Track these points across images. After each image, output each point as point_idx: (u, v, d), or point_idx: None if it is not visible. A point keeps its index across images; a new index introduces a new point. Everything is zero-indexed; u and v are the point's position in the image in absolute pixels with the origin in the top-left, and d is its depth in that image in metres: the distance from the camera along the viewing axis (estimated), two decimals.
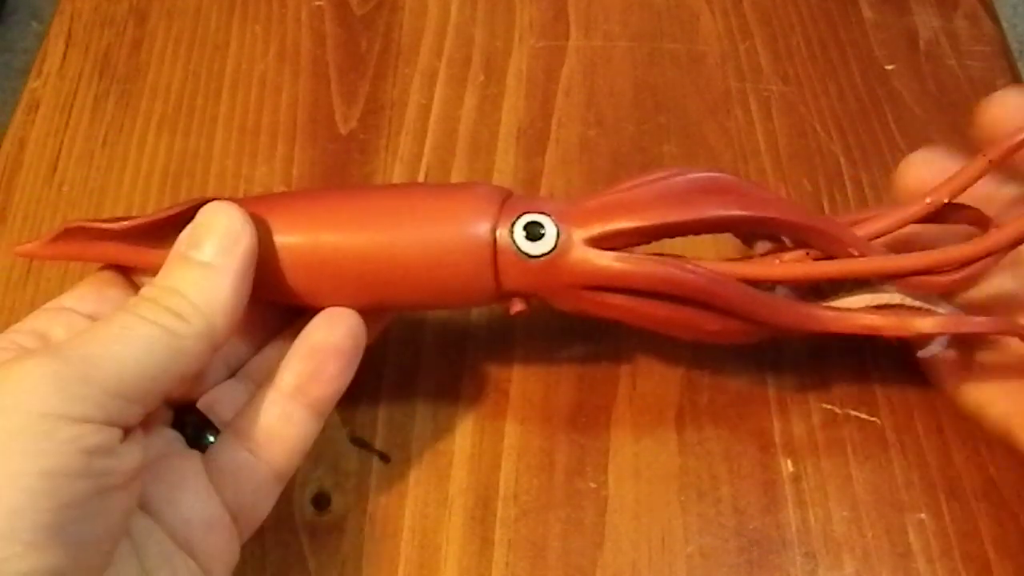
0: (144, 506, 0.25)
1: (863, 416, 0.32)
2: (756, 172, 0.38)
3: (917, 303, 0.29)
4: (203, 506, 0.25)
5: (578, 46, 0.42)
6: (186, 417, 0.28)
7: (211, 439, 0.27)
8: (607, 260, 0.27)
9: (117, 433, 0.22)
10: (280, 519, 0.30)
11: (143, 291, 0.25)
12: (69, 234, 0.28)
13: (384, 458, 0.32)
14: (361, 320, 0.28)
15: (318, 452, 0.31)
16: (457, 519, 0.30)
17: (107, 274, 0.28)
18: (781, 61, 0.41)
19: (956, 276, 0.28)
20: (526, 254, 0.27)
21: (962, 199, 0.28)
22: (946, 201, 0.28)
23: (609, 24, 0.42)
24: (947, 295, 0.29)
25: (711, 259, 0.28)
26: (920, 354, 0.31)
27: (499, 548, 0.30)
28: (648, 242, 0.28)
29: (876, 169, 0.37)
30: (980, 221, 0.28)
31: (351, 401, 0.32)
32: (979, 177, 0.27)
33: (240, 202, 0.27)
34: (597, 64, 0.41)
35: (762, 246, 0.30)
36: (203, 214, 0.26)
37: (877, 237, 0.28)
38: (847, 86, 0.40)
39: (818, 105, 0.39)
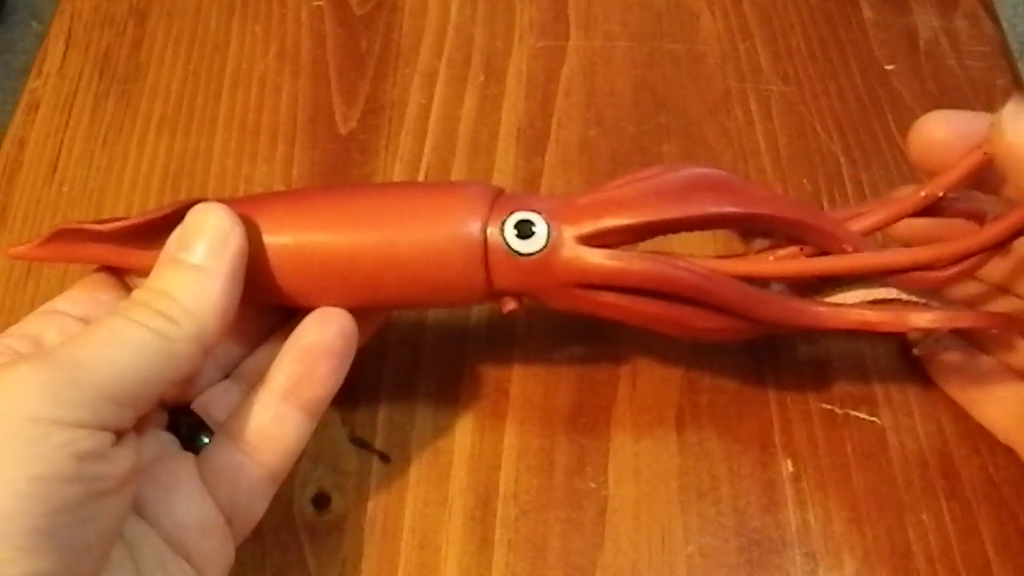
0: (138, 509, 0.25)
1: (863, 416, 0.32)
2: (756, 172, 0.38)
3: (914, 297, 0.28)
4: (197, 509, 0.25)
5: (578, 46, 0.42)
6: (180, 419, 0.28)
7: (206, 440, 0.27)
8: (599, 258, 0.27)
9: (109, 437, 0.22)
10: (280, 519, 0.30)
11: (134, 294, 0.25)
12: (61, 236, 0.27)
13: (384, 458, 0.32)
14: (352, 320, 0.27)
15: (318, 452, 0.31)
16: (457, 519, 0.30)
17: (99, 276, 0.28)
18: (781, 61, 0.41)
19: (951, 272, 0.28)
20: (517, 252, 0.27)
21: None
22: (940, 195, 0.27)
23: (609, 24, 0.42)
24: (942, 290, 0.29)
25: (704, 256, 0.28)
26: (916, 351, 0.31)
27: (499, 548, 0.30)
28: (641, 240, 0.28)
29: (876, 169, 0.37)
30: (975, 214, 0.28)
31: (351, 401, 0.32)
32: (976, 171, 0.27)
33: (230, 203, 0.27)
34: (597, 64, 0.41)
35: (760, 243, 0.30)
36: (192, 215, 0.26)
37: (872, 231, 0.28)
38: (847, 86, 0.40)
39: (818, 105, 0.39)
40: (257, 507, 0.27)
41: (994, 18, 0.42)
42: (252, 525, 0.27)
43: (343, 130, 0.39)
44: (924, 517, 0.30)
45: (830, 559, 0.29)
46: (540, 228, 0.27)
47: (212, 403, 0.28)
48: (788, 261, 0.28)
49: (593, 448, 0.32)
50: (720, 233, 0.33)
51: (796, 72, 0.41)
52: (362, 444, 0.32)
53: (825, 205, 0.37)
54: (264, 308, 0.29)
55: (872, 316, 0.28)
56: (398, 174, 0.38)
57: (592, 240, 0.27)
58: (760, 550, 0.30)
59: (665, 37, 0.42)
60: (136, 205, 0.37)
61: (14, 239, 0.36)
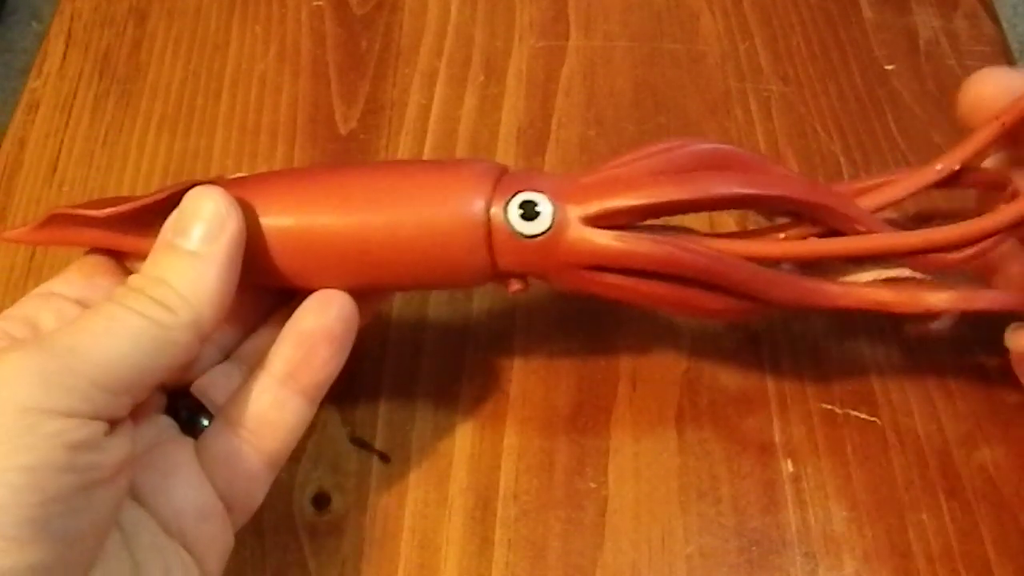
0: (135, 496, 0.24)
1: (863, 416, 0.32)
2: None
3: (929, 276, 0.28)
4: (196, 494, 0.25)
5: (578, 46, 0.42)
6: (179, 402, 0.27)
7: (205, 423, 0.27)
8: (605, 239, 0.26)
9: (103, 426, 0.22)
10: (280, 519, 0.30)
11: (130, 280, 0.25)
12: (56, 220, 0.27)
13: (384, 458, 0.32)
14: (352, 303, 0.27)
15: (318, 452, 0.31)
16: (457, 519, 0.30)
17: (95, 258, 0.28)
18: (781, 61, 0.41)
19: (967, 253, 0.27)
20: (521, 234, 0.26)
21: None
22: (957, 168, 0.27)
23: (609, 24, 0.42)
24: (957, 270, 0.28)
25: (712, 234, 0.28)
26: (933, 326, 0.29)
27: (499, 548, 0.30)
28: (648, 219, 0.27)
29: (876, 169, 0.37)
30: (997, 183, 0.27)
31: (351, 401, 0.32)
32: (992, 142, 0.26)
33: (228, 183, 0.26)
34: (597, 64, 0.41)
35: (780, 220, 0.29)
36: (188, 200, 0.25)
37: (886, 206, 0.27)
38: (847, 86, 0.40)
39: (818, 105, 0.39)
40: (256, 493, 0.27)
41: (994, 18, 0.42)
42: (251, 511, 0.27)
43: (343, 130, 0.39)
44: (924, 517, 0.30)
45: (830, 559, 0.29)
46: (545, 209, 0.26)
47: (211, 386, 0.28)
48: (798, 243, 0.28)
49: (593, 448, 0.32)
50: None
51: (796, 72, 0.41)
52: (362, 444, 0.32)
53: None
54: (263, 289, 0.28)
55: (886, 296, 0.27)
56: None
57: (598, 221, 0.26)
58: (760, 550, 0.30)
59: (665, 37, 0.42)
60: None
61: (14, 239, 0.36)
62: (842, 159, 0.38)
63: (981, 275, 0.29)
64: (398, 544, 0.30)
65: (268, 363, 0.27)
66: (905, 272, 0.28)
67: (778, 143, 0.38)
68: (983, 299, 0.27)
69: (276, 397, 0.26)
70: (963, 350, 0.33)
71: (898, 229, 0.27)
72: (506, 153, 0.38)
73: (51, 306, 0.26)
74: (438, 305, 0.34)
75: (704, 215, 0.34)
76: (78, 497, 0.21)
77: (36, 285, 0.35)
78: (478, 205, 0.26)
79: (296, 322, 0.27)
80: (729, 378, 0.33)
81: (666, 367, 0.33)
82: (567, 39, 0.42)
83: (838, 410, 0.32)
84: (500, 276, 0.28)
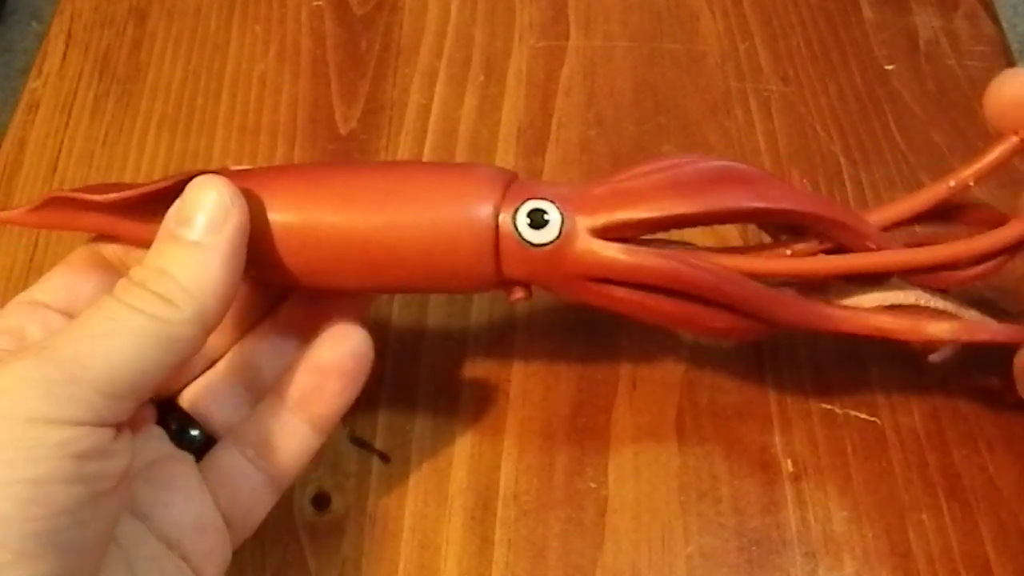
0: (134, 510, 0.24)
1: (863, 416, 0.32)
2: None
3: (933, 303, 0.28)
4: (195, 507, 0.25)
5: (578, 46, 0.42)
6: (168, 414, 0.27)
7: (195, 434, 0.27)
8: (612, 252, 0.26)
9: (108, 433, 0.21)
10: (280, 519, 0.30)
11: (132, 273, 0.24)
12: (54, 203, 0.26)
13: (384, 458, 0.32)
14: (368, 340, 0.27)
15: (318, 452, 0.31)
16: (457, 519, 0.30)
17: (79, 262, 0.27)
18: (781, 61, 0.41)
19: (975, 271, 0.27)
20: (529, 242, 0.26)
21: None
22: (971, 184, 0.26)
23: (609, 24, 0.42)
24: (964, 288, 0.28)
25: (720, 249, 0.28)
26: (931, 358, 0.30)
27: (499, 548, 0.30)
28: (656, 232, 0.27)
29: (876, 169, 0.37)
30: (997, 221, 0.27)
31: None
32: (1009, 158, 0.26)
33: (232, 176, 0.26)
34: (597, 64, 0.41)
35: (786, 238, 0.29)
36: (191, 189, 0.25)
37: (900, 222, 0.27)
38: (847, 86, 0.40)
39: (818, 105, 0.39)
40: (257, 513, 0.27)
41: (994, 18, 0.42)
42: (251, 531, 0.27)
43: (343, 130, 0.39)
44: (924, 517, 0.30)
45: (830, 559, 0.29)
46: (553, 218, 0.26)
47: (201, 399, 0.28)
48: (806, 260, 0.27)
49: (593, 448, 0.32)
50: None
51: (796, 72, 0.41)
52: (362, 444, 0.32)
53: None
54: (249, 294, 0.28)
55: (888, 323, 0.27)
56: None
57: (606, 232, 0.26)
58: (760, 550, 0.30)
59: (665, 37, 0.42)
60: None
61: (14, 239, 0.36)
62: (842, 159, 0.38)
63: None
64: (398, 544, 0.30)
65: (280, 388, 0.27)
66: (911, 297, 0.27)
67: (778, 143, 0.38)
68: (986, 331, 0.27)
69: (285, 422, 0.27)
70: (963, 350, 0.33)
71: (904, 247, 0.27)
72: (506, 153, 0.38)
73: (37, 317, 0.25)
74: (438, 306, 0.34)
75: (710, 230, 0.34)
76: (85, 508, 0.21)
77: None
78: (486, 211, 0.26)
79: (312, 353, 0.27)
80: (729, 378, 0.33)
81: (666, 367, 0.33)
82: (567, 39, 0.42)
83: (838, 410, 0.32)
84: (504, 284, 0.28)
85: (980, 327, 0.27)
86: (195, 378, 0.28)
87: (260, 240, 0.26)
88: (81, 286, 0.27)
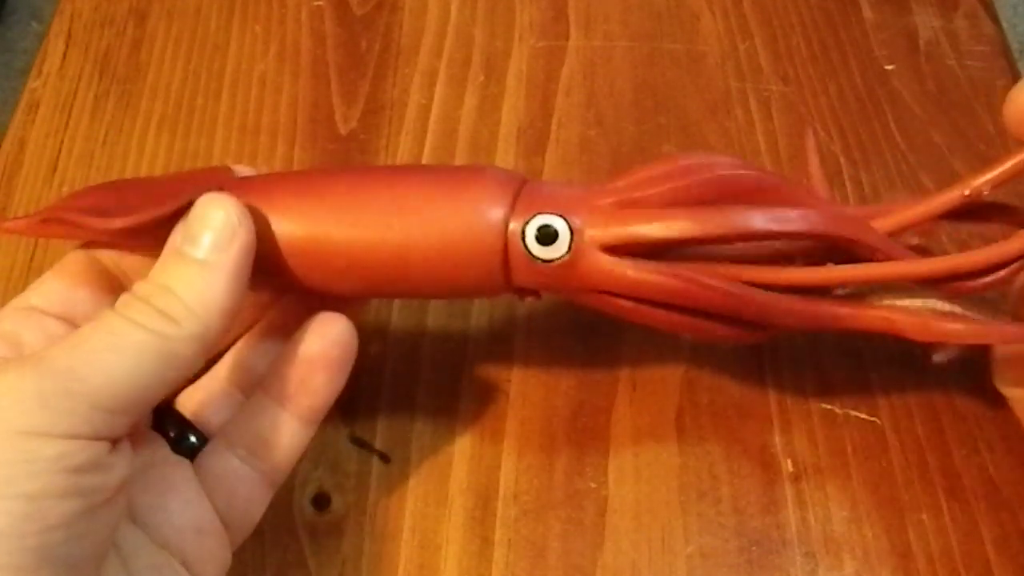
0: (132, 516, 0.24)
1: (863, 416, 0.32)
2: None
3: (940, 305, 0.27)
4: (193, 511, 0.25)
5: (578, 46, 0.42)
6: (166, 419, 0.27)
7: (193, 440, 0.27)
8: (621, 268, 0.26)
9: (104, 446, 0.21)
10: (280, 519, 0.30)
11: (135, 288, 0.24)
12: (55, 220, 0.26)
13: (384, 458, 0.32)
14: (352, 328, 0.27)
15: (318, 452, 0.31)
16: (457, 519, 0.30)
17: (73, 266, 0.27)
18: (781, 61, 0.41)
19: (989, 280, 0.26)
20: (538, 258, 0.26)
21: None
22: (985, 192, 0.26)
23: (609, 24, 0.42)
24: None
25: (730, 258, 0.27)
26: (935, 358, 0.30)
27: (499, 548, 0.30)
28: (666, 250, 0.27)
29: (876, 169, 0.37)
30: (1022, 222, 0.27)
31: (351, 401, 0.32)
32: None
33: (238, 183, 0.26)
34: (597, 64, 0.41)
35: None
36: (199, 207, 0.25)
37: (910, 227, 0.27)
38: (847, 86, 0.40)
39: (818, 105, 0.39)
40: (255, 511, 0.27)
41: (994, 18, 0.42)
42: (250, 530, 0.27)
43: (343, 130, 0.39)
44: (924, 517, 0.30)
45: (830, 559, 0.29)
46: (563, 234, 0.26)
47: (198, 403, 0.27)
48: (819, 270, 0.27)
49: (593, 448, 0.32)
50: None
51: (796, 72, 0.41)
52: (362, 444, 0.32)
53: None
54: (245, 300, 0.28)
55: (899, 318, 0.27)
56: None
57: (616, 249, 0.26)
58: (760, 550, 0.30)
59: (665, 37, 0.42)
60: None
61: (14, 239, 0.36)
62: (842, 159, 0.38)
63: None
64: (398, 544, 0.30)
65: (266, 384, 0.27)
66: (917, 303, 0.27)
67: (778, 143, 0.38)
68: (994, 334, 0.27)
69: (275, 418, 0.26)
70: (965, 351, 0.33)
71: (921, 257, 0.27)
72: (506, 153, 0.38)
73: (33, 323, 0.25)
74: (438, 306, 0.34)
75: None
76: (81, 522, 0.20)
77: None
78: (495, 226, 0.26)
79: (295, 345, 0.27)
80: (729, 378, 0.33)
81: (666, 367, 0.33)
82: (567, 39, 0.42)
83: (838, 410, 0.32)
84: (514, 290, 0.28)
85: (994, 329, 0.27)
86: (191, 382, 0.28)
87: (267, 250, 0.26)
88: (76, 291, 0.26)
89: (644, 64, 0.41)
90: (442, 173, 0.28)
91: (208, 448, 0.27)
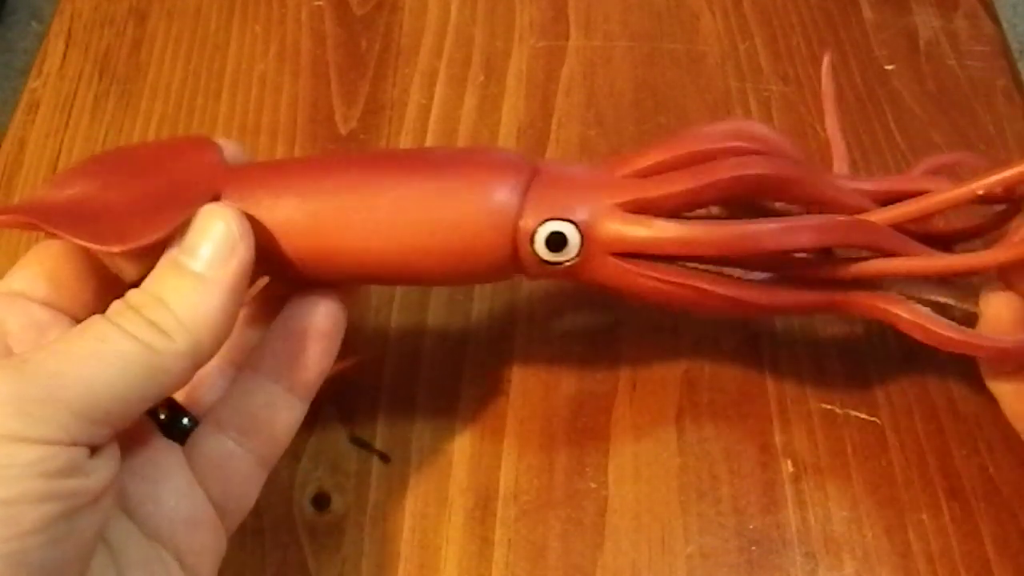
0: (123, 506, 0.23)
1: (863, 416, 0.32)
2: None
3: (959, 304, 0.28)
4: (186, 502, 0.24)
5: (578, 46, 0.42)
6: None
7: (186, 422, 0.26)
8: (632, 275, 0.27)
9: (83, 451, 0.20)
10: (280, 519, 0.30)
11: (128, 295, 0.23)
12: (53, 237, 0.25)
13: (384, 458, 0.32)
14: (339, 300, 0.27)
15: (318, 452, 0.31)
16: (457, 519, 0.30)
17: (56, 247, 0.25)
18: (781, 61, 0.41)
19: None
20: (547, 262, 0.27)
21: None
22: (999, 191, 0.26)
23: (609, 24, 0.42)
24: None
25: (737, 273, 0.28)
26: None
27: (499, 548, 0.30)
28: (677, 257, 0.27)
29: (876, 169, 0.37)
30: None
31: (351, 401, 0.32)
32: None
33: (244, 170, 0.25)
34: (597, 64, 0.41)
35: None
36: (201, 217, 0.24)
37: (919, 217, 0.27)
38: (847, 86, 0.40)
39: (818, 105, 0.39)
40: (251, 494, 0.26)
41: (994, 18, 0.42)
42: (244, 514, 0.26)
43: (343, 130, 0.39)
44: (924, 517, 0.30)
45: (830, 559, 0.29)
46: (572, 241, 0.26)
47: (194, 388, 0.27)
48: (836, 265, 0.28)
49: (593, 448, 0.31)
50: None
51: (796, 72, 0.41)
52: (362, 444, 0.32)
53: None
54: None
55: (900, 310, 0.27)
56: None
57: (625, 252, 0.27)
58: (760, 550, 0.30)
59: (665, 37, 0.42)
60: None
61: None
62: None
63: None
64: (398, 544, 0.30)
65: (257, 361, 0.26)
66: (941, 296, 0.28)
67: None
68: (998, 345, 0.27)
69: (267, 396, 0.26)
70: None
71: (936, 251, 0.27)
72: None
73: (16, 309, 0.24)
74: (438, 305, 0.34)
75: None
76: (58, 526, 0.20)
77: None
78: (505, 227, 0.26)
79: (284, 320, 0.26)
80: (729, 378, 0.33)
81: (666, 367, 0.33)
82: (567, 39, 0.42)
83: (838, 410, 0.32)
84: (523, 275, 0.28)
85: (993, 339, 0.27)
86: None
87: (270, 241, 0.26)
88: (60, 274, 0.25)
89: (644, 64, 0.41)
90: (452, 166, 0.27)
91: (199, 431, 0.26)
